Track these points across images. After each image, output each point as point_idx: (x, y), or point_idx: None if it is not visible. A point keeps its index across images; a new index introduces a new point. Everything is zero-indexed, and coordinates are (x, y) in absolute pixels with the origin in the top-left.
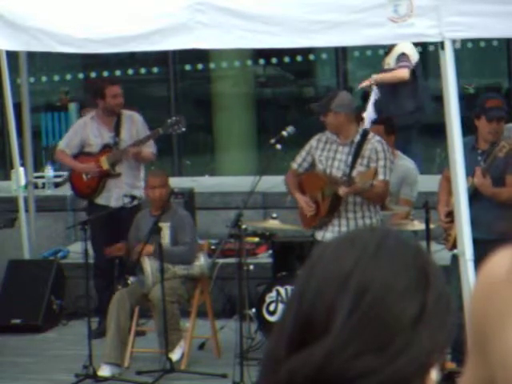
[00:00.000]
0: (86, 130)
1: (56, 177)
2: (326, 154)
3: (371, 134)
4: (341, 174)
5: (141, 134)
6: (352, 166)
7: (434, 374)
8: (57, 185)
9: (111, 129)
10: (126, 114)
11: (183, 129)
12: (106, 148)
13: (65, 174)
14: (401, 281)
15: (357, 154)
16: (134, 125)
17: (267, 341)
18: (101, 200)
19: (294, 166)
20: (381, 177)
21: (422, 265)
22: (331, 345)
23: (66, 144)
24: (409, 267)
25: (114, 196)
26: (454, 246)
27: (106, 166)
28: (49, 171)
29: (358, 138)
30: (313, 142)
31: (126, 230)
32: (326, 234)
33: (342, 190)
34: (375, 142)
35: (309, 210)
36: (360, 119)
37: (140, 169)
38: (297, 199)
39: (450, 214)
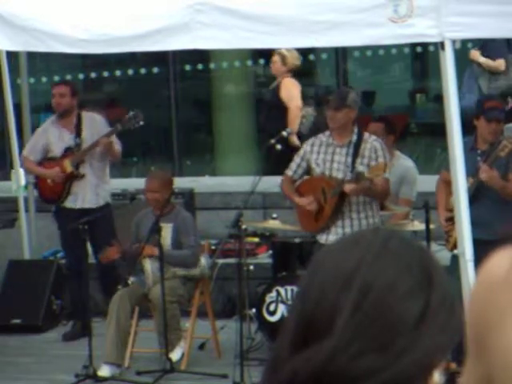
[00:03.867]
0: (46, 136)
1: None
2: (322, 156)
3: (367, 134)
4: (341, 176)
5: (102, 133)
6: (352, 167)
7: (437, 376)
8: None
9: (72, 130)
10: (86, 115)
11: (141, 123)
12: (68, 151)
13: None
14: (404, 281)
15: (356, 154)
16: (94, 125)
17: (276, 340)
18: (68, 203)
19: (289, 173)
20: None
21: (426, 265)
22: (334, 344)
23: (30, 150)
24: (412, 268)
25: (79, 198)
26: (455, 246)
27: (69, 168)
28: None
29: (354, 138)
30: (306, 147)
31: (97, 231)
32: (330, 237)
33: (347, 187)
34: (373, 141)
35: (310, 206)
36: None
37: (105, 170)
38: (296, 202)
39: (451, 219)
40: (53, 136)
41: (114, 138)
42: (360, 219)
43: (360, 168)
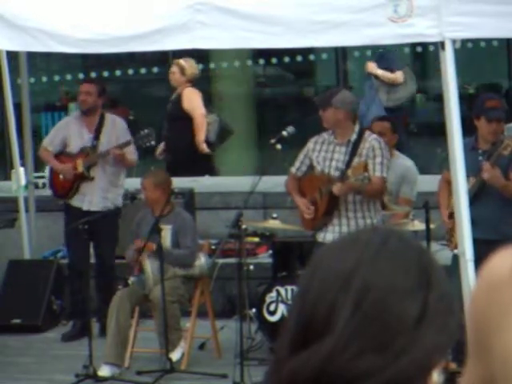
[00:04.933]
0: (67, 130)
1: None
2: (323, 154)
3: (368, 133)
4: (338, 174)
5: (121, 139)
6: (348, 165)
7: (436, 376)
8: None
9: (92, 130)
10: (109, 117)
11: (152, 142)
12: (83, 150)
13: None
14: (403, 281)
15: (353, 153)
16: (114, 129)
17: (276, 340)
18: (75, 202)
19: (293, 170)
20: (377, 173)
21: (425, 265)
22: (333, 345)
23: (49, 142)
24: (411, 267)
25: (86, 199)
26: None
27: (80, 168)
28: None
29: (354, 137)
30: (310, 144)
31: (100, 233)
32: (327, 235)
33: (335, 187)
34: (372, 140)
35: (307, 213)
36: (357, 119)
37: (118, 175)
38: (296, 202)
39: (453, 215)
40: (73, 131)
41: (130, 148)
42: (357, 218)
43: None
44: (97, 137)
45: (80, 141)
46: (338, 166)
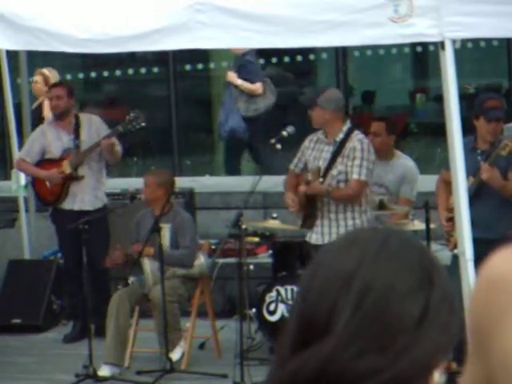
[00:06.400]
0: (45, 136)
1: None
2: (314, 153)
3: (355, 133)
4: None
5: (101, 134)
6: (331, 165)
7: (437, 376)
8: None
9: (70, 132)
10: (84, 116)
11: (143, 124)
12: (66, 152)
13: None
14: (404, 281)
15: (338, 152)
16: (92, 126)
17: (277, 340)
18: (66, 205)
19: (291, 166)
20: (354, 176)
21: (426, 265)
22: (333, 345)
23: (27, 152)
24: (412, 267)
25: (78, 199)
26: (456, 246)
27: (68, 169)
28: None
29: (341, 136)
30: (306, 142)
31: (94, 233)
32: (312, 235)
33: (300, 188)
34: (356, 140)
35: (291, 206)
36: (347, 118)
37: (102, 171)
38: (286, 198)
39: (452, 219)
40: (51, 138)
41: (114, 140)
42: (338, 220)
43: (340, 168)
44: (77, 137)
45: (61, 144)
46: (324, 165)
